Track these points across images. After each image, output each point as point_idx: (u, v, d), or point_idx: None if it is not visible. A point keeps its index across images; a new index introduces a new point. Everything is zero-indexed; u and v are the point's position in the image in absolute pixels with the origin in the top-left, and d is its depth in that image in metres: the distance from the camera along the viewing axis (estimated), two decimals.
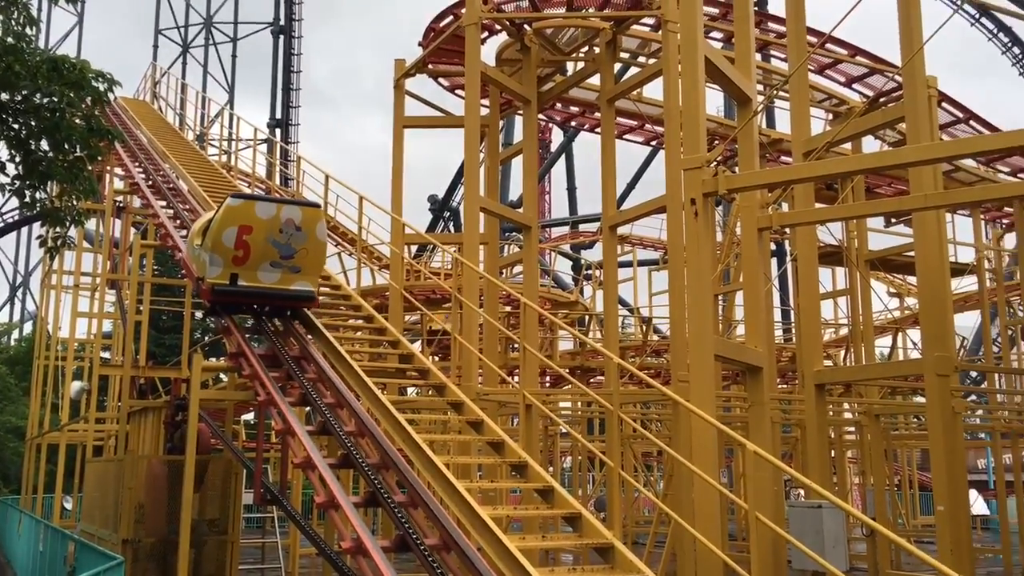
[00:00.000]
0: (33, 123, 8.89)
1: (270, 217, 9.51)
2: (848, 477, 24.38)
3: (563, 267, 39.71)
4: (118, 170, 18.82)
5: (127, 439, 12.60)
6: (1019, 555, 17.43)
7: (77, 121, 8.94)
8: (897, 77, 13.53)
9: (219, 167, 18.86)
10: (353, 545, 6.67)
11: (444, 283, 16.89)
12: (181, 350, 16.00)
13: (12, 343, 42.64)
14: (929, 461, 13.81)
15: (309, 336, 9.85)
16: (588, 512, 7.23)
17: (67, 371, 20.88)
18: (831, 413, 17.79)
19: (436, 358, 21.51)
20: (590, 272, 27.54)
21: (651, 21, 14.44)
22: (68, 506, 21.53)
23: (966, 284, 20.79)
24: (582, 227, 39.77)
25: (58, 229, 9.87)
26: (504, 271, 21.09)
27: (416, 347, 14.84)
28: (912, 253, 13.23)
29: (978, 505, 27.54)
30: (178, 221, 13.76)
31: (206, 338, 29.18)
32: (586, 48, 14.85)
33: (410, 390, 14.66)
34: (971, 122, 16.60)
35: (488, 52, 14.75)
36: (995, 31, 40.97)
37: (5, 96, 8.80)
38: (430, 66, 15.21)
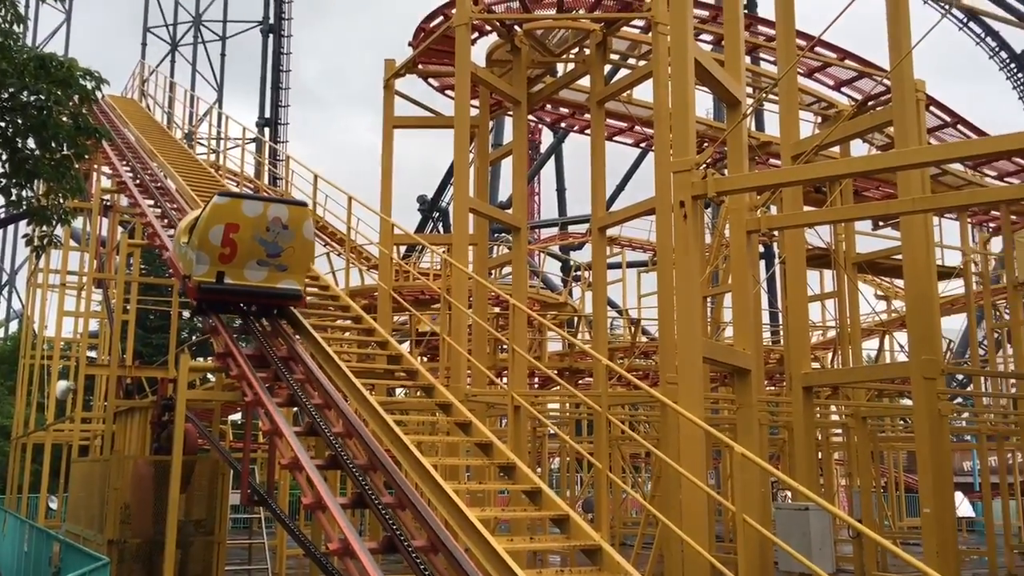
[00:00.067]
0: (20, 121, 8.83)
1: (257, 215, 9.50)
2: (835, 479, 24.47)
3: (552, 268, 39.76)
4: (105, 168, 18.72)
5: (113, 439, 12.53)
6: (1004, 557, 17.52)
7: (64, 119, 8.89)
8: (885, 81, 13.59)
9: (207, 166, 18.78)
10: (340, 546, 6.65)
11: (433, 284, 16.87)
12: (168, 350, 15.92)
13: None
14: (915, 463, 13.88)
15: (297, 336, 9.82)
16: (576, 514, 7.23)
17: (53, 370, 20.76)
18: (818, 415, 17.85)
19: (425, 359, 21.48)
20: (579, 273, 27.57)
21: (641, 23, 14.48)
22: (53, 506, 21.39)
23: (953, 287, 20.92)
24: (571, 228, 39.80)
25: (45, 228, 9.81)
26: (493, 272, 21.08)
27: (405, 348, 14.83)
28: (899, 256, 13.29)
29: (964, 507, 27.67)
30: (165, 220, 13.69)
31: (193, 337, 29.06)
32: (576, 49, 14.87)
33: (398, 391, 14.63)
34: (958, 126, 16.69)
35: (478, 53, 14.78)
36: (983, 35, 41.25)
37: None
38: (420, 66, 15.20)
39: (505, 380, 16.22)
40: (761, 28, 16.22)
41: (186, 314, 23.54)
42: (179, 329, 19.29)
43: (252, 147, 23.32)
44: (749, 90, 14.95)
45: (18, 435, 22.18)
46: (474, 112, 14.61)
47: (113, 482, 10.77)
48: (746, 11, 14.90)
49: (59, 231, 10.76)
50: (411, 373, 9.96)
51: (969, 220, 20.16)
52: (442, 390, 9.22)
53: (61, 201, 9.84)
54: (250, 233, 9.50)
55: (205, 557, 10.72)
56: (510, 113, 15.79)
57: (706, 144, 16.73)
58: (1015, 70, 41.40)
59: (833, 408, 18.79)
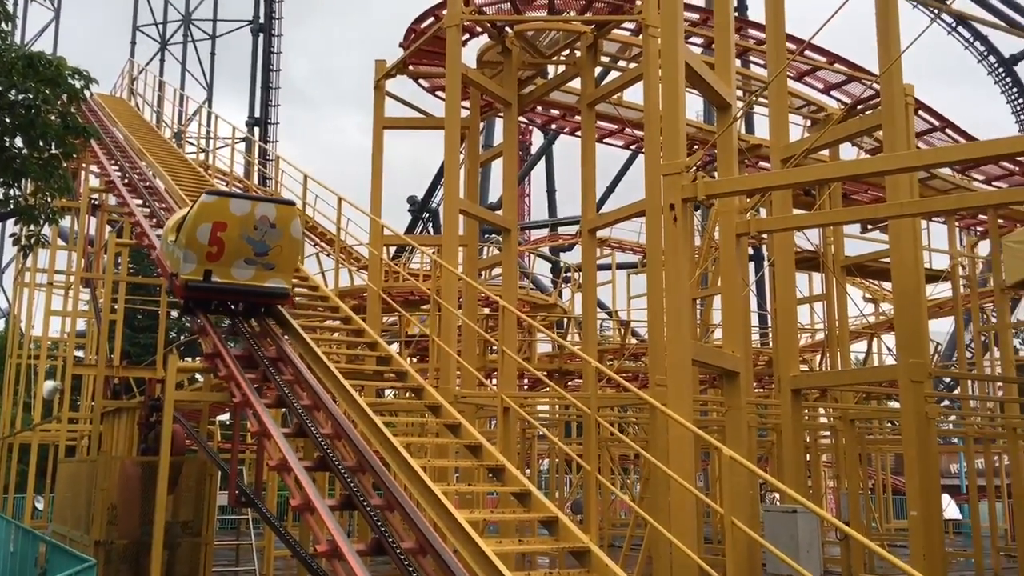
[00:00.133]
0: (8, 120, 8.80)
1: (245, 214, 9.50)
2: (823, 481, 24.57)
3: (542, 269, 39.75)
4: (94, 167, 18.63)
5: (100, 439, 12.47)
6: (991, 559, 17.63)
7: (52, 118, 8.86)
8: (875, 85, 13.66)
9: (196, 165, 18.72)
10: (328, 548, 6.64)
11: (423, 285, 16.85)
12: (156, 350, 15.86)
13: None
14: (903, 465, 13.94)
15: (286, 336, 9.81)
16: (565, 516, 7.24)
17: (40, 370, 20.65)
18: (807, 417, 17.92)
19: (414, 360, 21.46)
20: (569, 275, 27.59)
21: (632, 26, 14.49)
22: (40, 507, 21.27)
23: (940, 290, 21.01)
24: (561, 230, 39.81)
25: (32, 227, 9.78)
26: (483, 273, 21.07)
27: (394, 349, 14.79)
28: (888, 259, 13.35)
29: (951, 510, 27.84)
30: (154, 220, 13.64)
31: (182, 337, 28.95)
32: (567, 51, 14.88)
33: (387, 392, 14.61)
34: (947, 130, 16.78)
35: (469, 54, 14.77)
36: (971, 40, 41.48)
37: None
38: (411, 67, 15.18)
39: (495, 381, 16.21)
40: (751, 31, 16.26)
41: (174, 314, 23.46)
42: (167, 329, 19.20)
43: (242, 147, 23.25)
44: (739, 93, 14.98)
45: (4, 435, 22.03)
46: (465, 113, 14.60)
47: (100, 483, 10.72)
48: (736, 14, 14.92)
49: (47, 230, 10.73)
50: (400, 374, 9.95)
51: (957, 223, 20.27)
52: (431, 391, 9.21)
53: (49, 200, 9.81)
54: (238, 232, 9.50)
55: (192, 558, 10.69)
56: (501, 114, 15.78)
57: (696, 147, 16.76)
58: (1003, 74, 41.64)
59: (821, 410, 18.88)
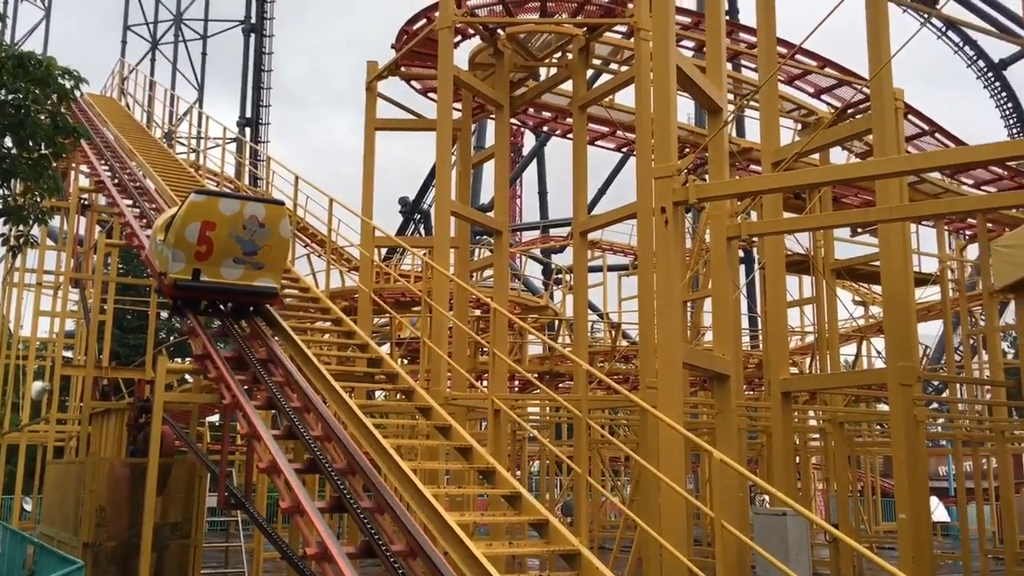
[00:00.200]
0: None
1: (234, 213, 9.52)
2: (812, 483, 24.62)
3: (533, 271, 39.77)
4: (83, 167, 18.56)
5: (89, 441, 12.43)
6: (979, 562, 17.70)
7: (42, 118, 8.83)
8: (865, 89, 13.71)
9: (187, 166, 18.66)
10: (318, 551, 6.62)
11: (414, 286, 16.84)
12: (145, 350, 15.80)
13: None
14: (892, 468, 13.98)
15: (276, 337, 9.79)
16: (555, 519, 7.24)
17: (28, 371, 20.57)
18: (796, 420, 17.95)
19: (405, 361, 21.44)
20: (560, 277, 27.60)
21: (624, 28, 14.52)
22: (28, 508, 21.17)
23: (929, 294, 21.10)
24: (553, 231, 39.84)
25: (21, 227, 9.73)
26: (474, 275, 21.07)
27: (385, 350, 14.77)
28: (877, 263, 13.40)
29: (939, 512, 27.97)
30: (144, 220, 13.58)
31: (171, 338, 28.84)
32: (559, 54, 14.90)
33: (378, 394, 14.59)
34: (936, 135, 16.86)
35: (461, 56, 14.76)
36: (961, 44, 41.69)
37: None
38: (403, 69, 15.18)
39: (485, 383, 16.20)
40: (742, 35, 16.32)
41: (164, 315, 23.39)
42: (157, 330, 19.14)
43: (232, 147, 23.19)
44: (730, 97, 15.02)
45: None
46: (457, 115, 14.60)
47: (88, 484, 10.68)
48: (728, 18, 15.00)
49: (36, 230, 10.68)
50: (391, 376, 9.94)
51: (946, 227, 20.36)
52: (422, 393, 9.21)
53: (38, 200, 9.77)
54: (227, 231, 9.52)
55: (181, 560, 10.66)
56: (493, 116, 15.79)
57: (687, 150, 16.80)
58: (992, 79, 41.86)
59: (811, 413, 18.91)
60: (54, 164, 9.76)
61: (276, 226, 9.80)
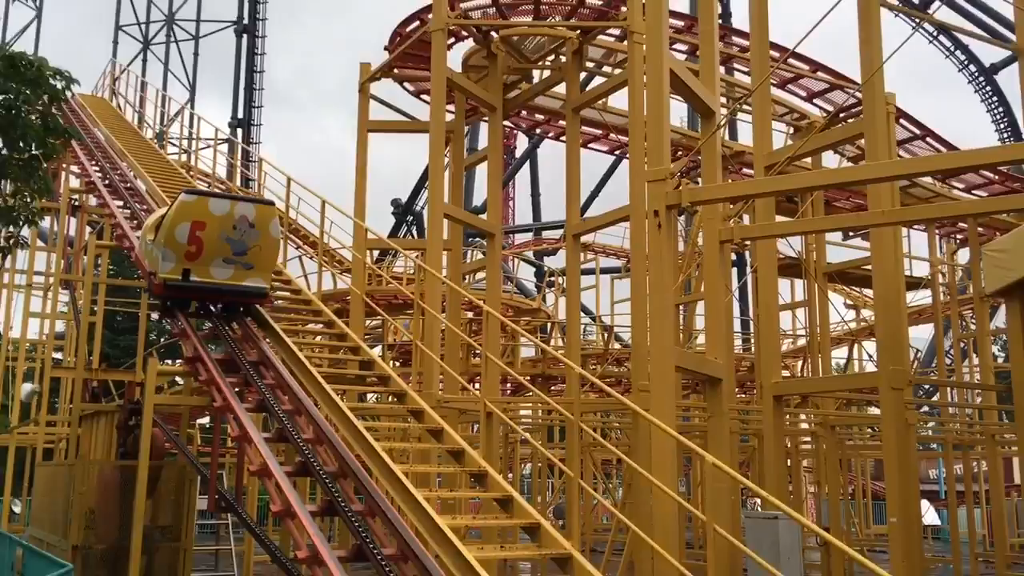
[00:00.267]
0: None
1: (224, 213, 9.52)
2: (803, 486, 24.68)
3: (526, 274, 39.76)
4: (74, 168, 18.48)
5: (78, 443, 12.36)
6: (969, 565, 17.75)
7: (33, 119, 8.79)
8: (857, 93, 13.74)
9: (178, 167, 18.60)
10: (309, 554, 6.59)
11: (406, 289, 16.82)
12: (136, 352, 15.73)
13: None
14: (883, 471, 14.01)
15: (267, 339, 9.76)
16: (547, 522, 7.22)
17: (18, 372, 20.43)
18: (788, 423, 17.99)
19: (397, 364, 21.39)
20: (553, 279, 27.59)
21: (617, 32, 14.53)
22: (17, 510, 21.05)
23: (920, 297, 21.18)
24: (545, 234, 39.85)
25: (11, 228, 9.69)
26: (467, 277, 21.05)
27: (377, 353, 14.75)
28: (869, 266, 13.43)
29: (929, 515, 28.03)
30: (135, 221, 13.53)
31: (162, 340, 28.74)
32: (552, 56, 14.90)
33: (370, 397, 14.55)
34: (928, 139, 16.91)
35: (454, 58, 14.76)
36: (952, 48, 41.88)
37: None
38: (396, 71, 15.17)
39: (478, 386, 16.18)
40: (735, 39, 16.35)
41: (154, 316, 23.29)
42: (147, 331, 19.06)
43: (224, 148, 23.11)
44: (723, 100, 15.04)
45: None
46: (450, 117, 14.59)
47: (78, 487, 10.62)
48: (721, 22, 15.02)
49: (26, 231, 10.63)
50: (383, 379, 9.91)
51: (937, 231, 20.43)
52: (414, 396, 9.19)
53: (29, 201, 9.72)
54: (217, 231, 9.53)
55: (171, 563, 10.61)
56: (486, 118, 15.79)
57: (680, 153, 16.82)
58: (983, 83, 42.05)
59: (803, 416, 18.95)
60: (45, 165, 9.71)
61: (266, 226, 9.82)
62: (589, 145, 18.60)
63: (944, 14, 36.62)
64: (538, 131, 19.85)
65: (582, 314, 18.49)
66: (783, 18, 14.05)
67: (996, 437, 16.79)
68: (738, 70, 17.58)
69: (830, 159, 17.43)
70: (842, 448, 19.06)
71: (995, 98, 41.78)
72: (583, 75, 15.89)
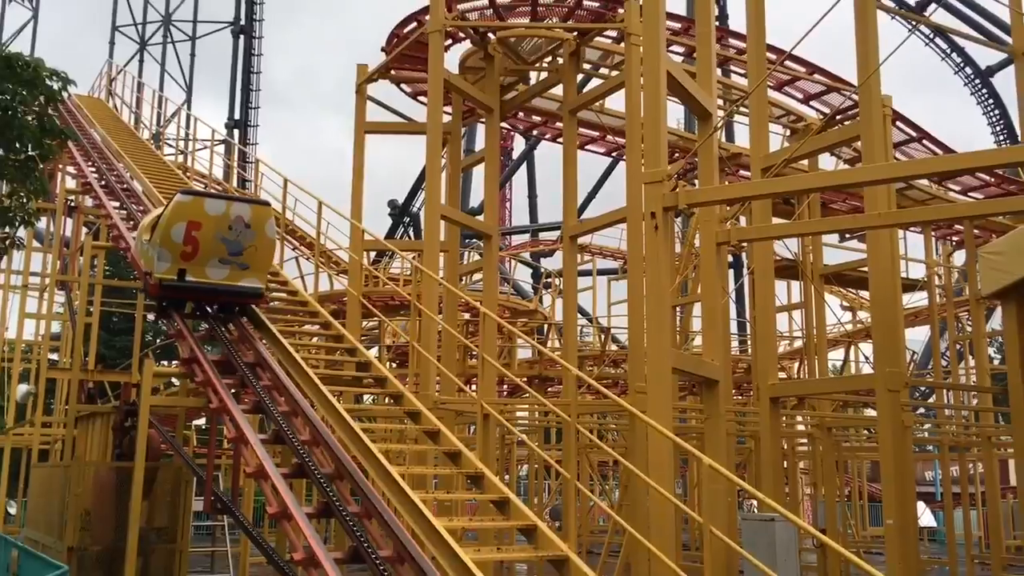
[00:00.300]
0: None
1: (220, 214, 9.52)
2: (800, 488, 24.69)
3: (523, 275, 39.75)
4: (70, 169, 18.45)
5: (74, 444, 12.34)
6: (965, 566, 17.78)
7: (30, 120, 8.78)
8: (854, 96, 13.76)
9: (175, 168, 18.57)
10: (305, 556, 6.58)
11: (403, 290, 16.81)
12: (132, 353, 15.71)
13: None
14: (879, 473, 14.03)
15: (264, 341, 9.75)
16: (544, 524, 7.22)
17: (14, 373, 20.38)
18: (784, 425, 17.99)
19: (394, 365, 21.39)
20: (550, 280, 27.60)
21: (614, 33, 14.54)
22: (12, 512, 21.00)
23: (917, 299, 21.23)
24: (542, 235, 39.86)
25: (7, 229, 9.67)
26: (464, 278, 21.05)
27: (373, 354, 14.72)
28: (865, 268, 13.45)
29: (926, 517, 28.06)
30: (131, 222, 13.51)
31: (158, 341, 28.68)
32: (549, 58, 14.90)
33: (366, 398, 14.55)
34: (924, 141, 16.94)
35: (452, 59, 14.76)
36: (948, 51, 41.94)
37: None
38: (393, 72, 15.16)
39: (474, 388, 16.17)
40: (732, 41, 16.37)
41: (150, 317, 23.25)
42: (143, 332, 19.03)
43: (221, 149, 23.08)
44: (720, 102, 15.06)
45: None
46: (447, 118, 14.59)
47: (74, 488, 10.61)
48: (718, 24, 15.03)
49: (22, 232, 10.61)
50: (380, 380, 9.90)
51: (933, 234, 20.47)
52: (411, 398, 9.18)
53: (25, 202, 9.71)
54: (212, 231, 9.52)
55: (167, 565, 10.60)
56: (483, 120, 15.78)
57: (677, 155, 16.83)
58: (979, 86, 42.13)
59: (799, 418, 18.96)
60: (41, 166, 9.70)
61: (262, 227, 9.82)
62: (586, 147, 18.60)
63: (940, 16, 36.73)
64: (535, 133, 19.84)
65: (579, 315, 18.48)
66: (780, 20, 14.05)
67: (992, 439, 16.81)
68: (735, 72, 17.62)
69: (827, 161, 17.47)
70: (838, 450, 19.08)
71: (991, 100, 41.85)
72: (580, 77, 15.90)
